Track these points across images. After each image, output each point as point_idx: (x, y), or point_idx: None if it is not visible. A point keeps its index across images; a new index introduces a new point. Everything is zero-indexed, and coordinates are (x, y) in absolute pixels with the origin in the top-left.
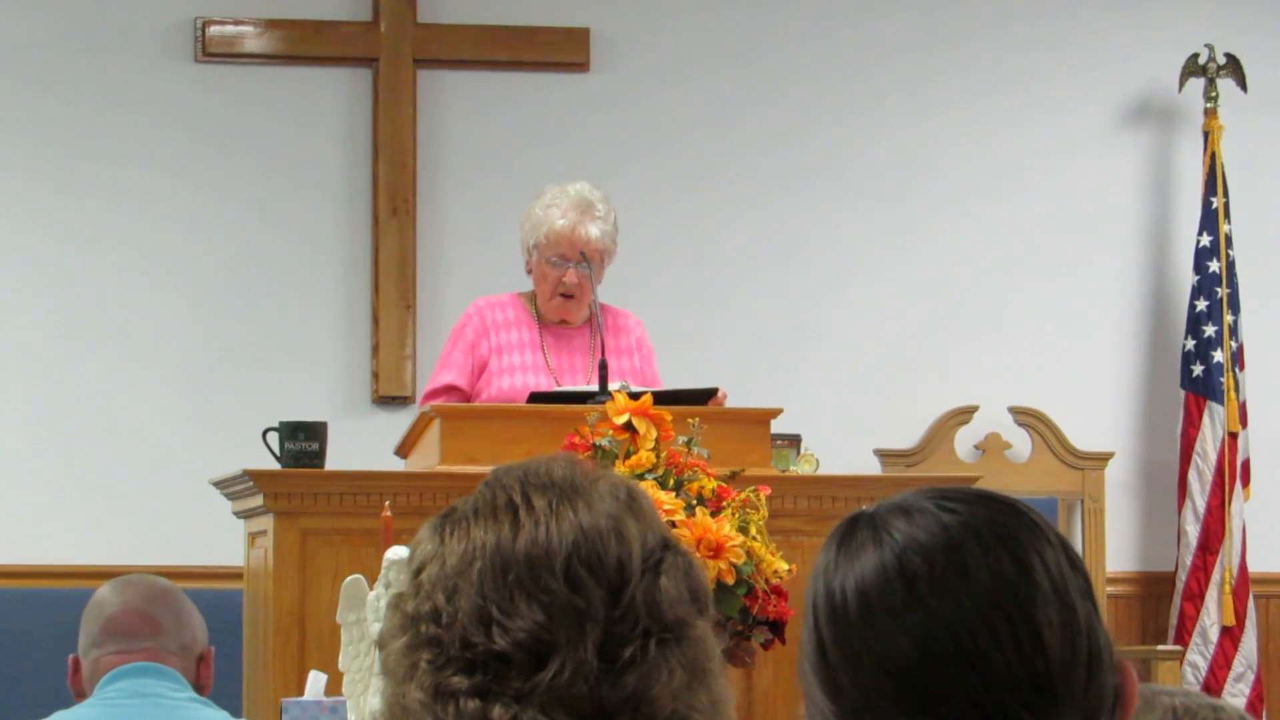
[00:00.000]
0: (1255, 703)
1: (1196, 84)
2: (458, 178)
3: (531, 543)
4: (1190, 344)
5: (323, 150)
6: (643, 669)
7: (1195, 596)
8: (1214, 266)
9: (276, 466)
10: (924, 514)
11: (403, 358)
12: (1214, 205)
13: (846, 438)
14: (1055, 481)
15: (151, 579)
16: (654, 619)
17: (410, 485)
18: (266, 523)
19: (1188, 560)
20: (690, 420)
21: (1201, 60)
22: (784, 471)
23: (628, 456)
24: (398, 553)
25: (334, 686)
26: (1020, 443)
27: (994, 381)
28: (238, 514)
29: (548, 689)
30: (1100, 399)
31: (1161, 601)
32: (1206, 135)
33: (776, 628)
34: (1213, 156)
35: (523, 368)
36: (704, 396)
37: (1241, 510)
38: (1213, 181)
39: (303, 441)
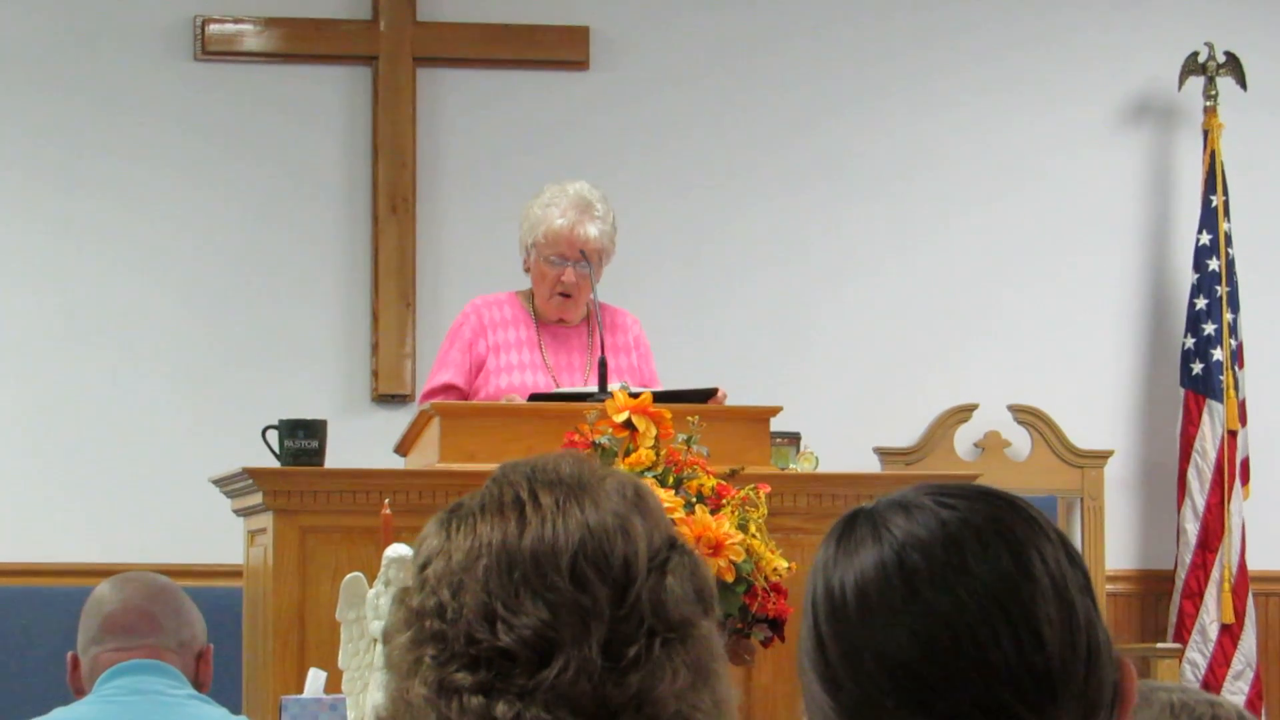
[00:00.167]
0: (1254, 700)
1: (1196, 82)
2: (457, 176)
3: (538, 540)
4: (1190, 342)
5: (322, 148)
6: (647, 668)
7: (1194, 594)
8: (1214, 265)
9: (276, 464)
10: (923, 510)
11: (402, 356)
12: (1213, 203)
13: (846, 436)
14: (1055, 480)
15: (151, 576)
16: (659, 618)
17: (410, 483)
18: (266, 520)
19: (1187, 558)
20: (690, 418)
21: (1201, 58)
22: (783, 469)
23: (627, 454)
24: (397, 550)
25: (333, 684)
26: (1020, 441)
27: (993, 379)
28: (237, 512)
29: (551, 687)
30: (1100, 397)
31: (1161, 599)
32: (1206, 133)
33: (776, 625)
34: (1212, 155)
35: (520, 366)
36: (704, 396)
37: (1241, 508)
38: (1212, 180)
39: (302, 439)
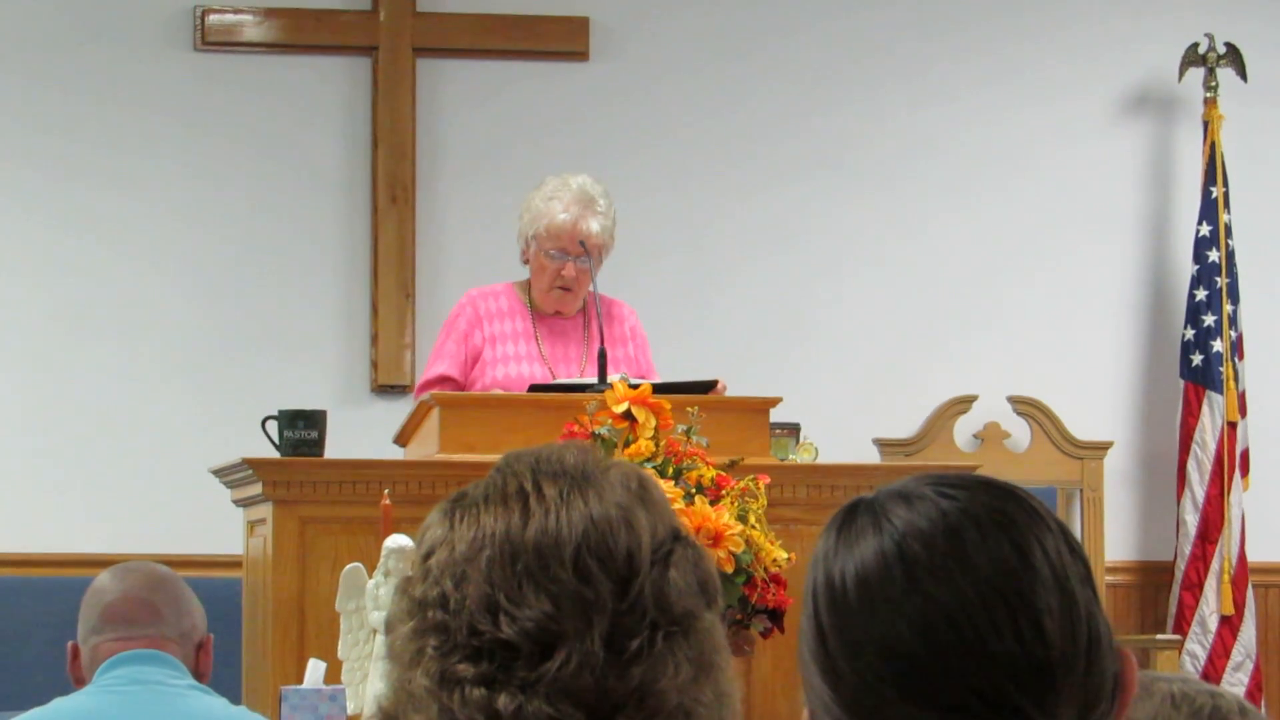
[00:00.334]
0: (1254, 691)
1: (1196, 73)
2: (457, 167)
3: (541, 532)
4: (1189, 333)
5: (322, 139)
6: (649, 661)
7: (1194, 586)
8: (1213, 256)
9: (276, 455)
10: (924, 500)
11: (401, 346)
12: (1213, 195)
13: (845, 427)
14: (1054, 471)
15: (151, 566)
16: (662, 611)
17: (409, 474)
18: (266, 511)
19: (1187, 550)
20: (689, 409)
21: (1201, 49)
22: (783, 460)
23: (627, 445)
24: (397, 541)
25: (333, 674)
26: (1019, 432)
27: (993, 371)
28: (237, 502)
29: (553, 679)
30: (1099, 388)
31: (1160, 591)
32: (1206, 125)
33: (775, 616)
34: (1212, 146)
35: (517, 357)
36: (704, 388)
37: (1240, 500)
38: (1212, 171)
39: (302, 430)
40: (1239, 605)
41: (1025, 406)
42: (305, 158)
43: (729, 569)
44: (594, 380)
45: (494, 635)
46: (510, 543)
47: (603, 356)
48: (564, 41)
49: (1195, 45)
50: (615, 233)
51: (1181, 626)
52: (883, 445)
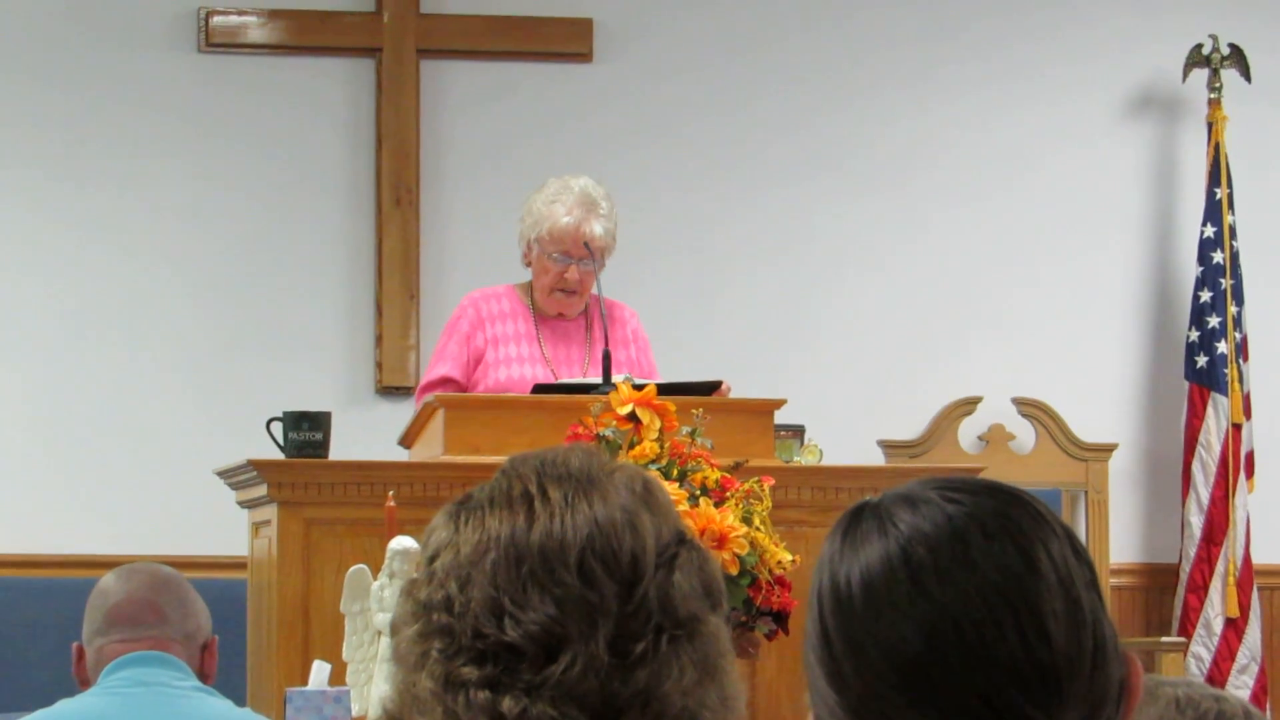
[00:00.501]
0: (1259, 694)
1: (1200, 74)
2: (461, 168)
3: (546, 535)
4: (1194, 335)
5: (326, 140)
6: (654, 665)
7: (1199, 588)
8: (1218, 258)
9: (280, 456)
10: (929, 504)
11: (406, 348)
12: (1218, 196)
13: (850, 428)
14: (1059, 473)
15: (156, 567)
16: (666, 614)
17: (414, 475)
18: (270, 512)
19: (1191, 552)
20: (694, 411)
21: (1205, 51)
22: (788, 462)
23: (631, 447)
24: (401, 543)
25: (338, 676)
26: (1024, 434)
27: (998, 372)
28: (241, 504)
29: (558, 683)
30: (1104, 390)
31: (1165, 593)
32: (1210, 126)
33: (780, 619)
34: (1216, 147)
35: (519, 359)
36: (708, 389)
37: (1245, 502)
38: (1216, 172)
39: (306, 431)
40: (1244, 608)
41: (1030, 408)
42: (309, 159)
43: (734, 571)
44: (598, 381)
45: (499, 638)
46: (515, 546)
47: (607, 358)
48: (568, 43)
49: (1199, 46)
50: (616, 234)
51: (1186, 629)
52: (887, 447)
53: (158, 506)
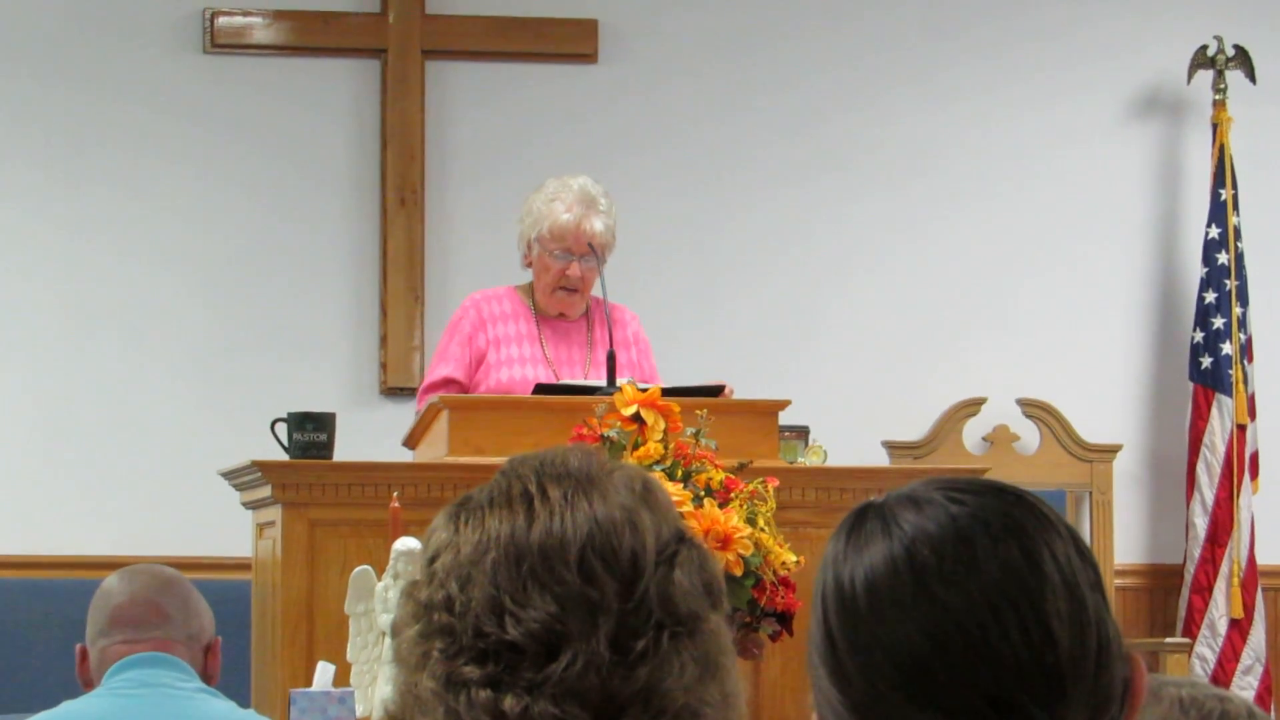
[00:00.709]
0: (1263, 695)
1: (1205, 76)
2: (466, 168)
3: (546, 533)
4: (1199, 336)
5: (331, 141)
6: (655, 662)
7: (1203, 589)
8: (1223, 259)
9: (285, 457)
10: (933, 505)
11: (410, 349)
12: (1222, 197)
13: (854, 429)
14: (1063, 473)
15: (159, 569)
16: (667, 612)
17: (418, 476)
18: (275, 513)
19: (1196, 553)
20: (698, 412)
21: (1210, 52)
22: (792, 463)
23: (636, 448)
24: (406, 544)
25: (342, 677)
26: (1028, 435)
27: (1002, 373)
28: (246, 505)
29: (559, 680)
30: (1109, 391)
31: (1170, 594)
32: (1215, 127)
33: (784, 619)
34: (1221, 148)
35: (521, 360)
36: (711, 394)
37: (1250, 503)
38: (1221, 173)
39: (311, 432)
40: (1248, 608)
41: (1034, 409)
42: (314, 160)
43: (738, 572)
44: (599, 383)
45: (499, 637)
46: (515, 545)
47: (612, 359)
48: (572, 44)
49: (1204, 48)
50: (616, 232)
51: (1191, 630)
52: (891, 448)
53: (161, 507)
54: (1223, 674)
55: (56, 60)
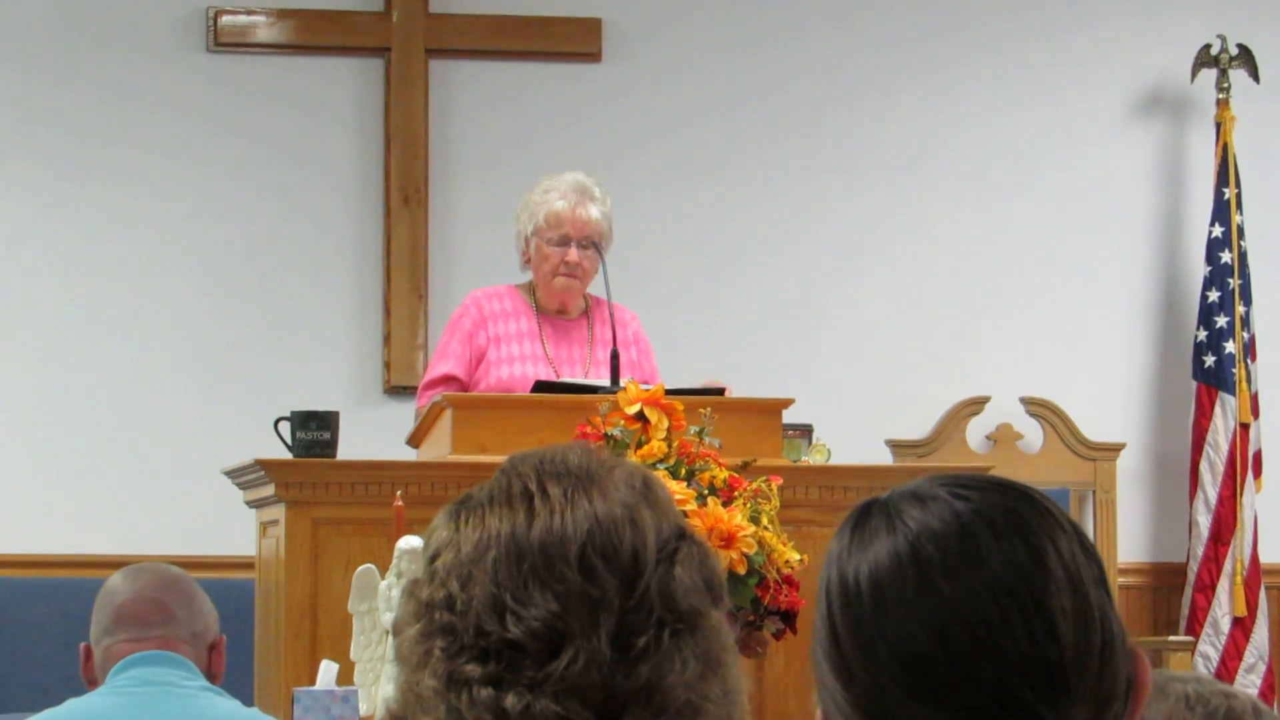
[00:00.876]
0: (1266, 693)
1: (1209, 75)
2: (470, 167)
3: (546, 531)
4: (1202, 335)
5: (334, 140)
6: (656, 659)
7: (1207, 587)
8: (1226, 257)
9: (288, 456)
10: (937, 501)
11: (414, 347)
12: (1226, 196)
13: (858, 428)
14: (1067, 472)
15: (163, 567)
16: (668, 609)
17: (422, 475)
18: (278, 512)
19: (1199, 551)
20: (702, 410)
21: (1214, 51)
22: (795, 462)
23: (639, 446)
24: (409, 542)
25: (345, 676)
26: (1032, 433)
27: (1006, 372)
28: (249, 503)
29: (561, 678)
30: (1112, 390)
31: (1173, 592)
32: (1219, 126)
33: (788, 617)
34: (1225, 147)
35: (521, 358)
36: (710, 396)
37: (1253, 501)
38: (1225, 172)
39: (314, 431)
40: (1251, 607)
41: (1037, 408)
42: (318, 159)
43: (741, 570)
44: (596, 382)
45: (501, 635)
46: (516, 543)
47: (615, 358)
48: (576, 43)
49: (1207, 47)
50: (613, 227)
51: (1194, 628)
52: (895, 447)
53: (165, 506)
54: (1226, 672)
55: (59, 60)
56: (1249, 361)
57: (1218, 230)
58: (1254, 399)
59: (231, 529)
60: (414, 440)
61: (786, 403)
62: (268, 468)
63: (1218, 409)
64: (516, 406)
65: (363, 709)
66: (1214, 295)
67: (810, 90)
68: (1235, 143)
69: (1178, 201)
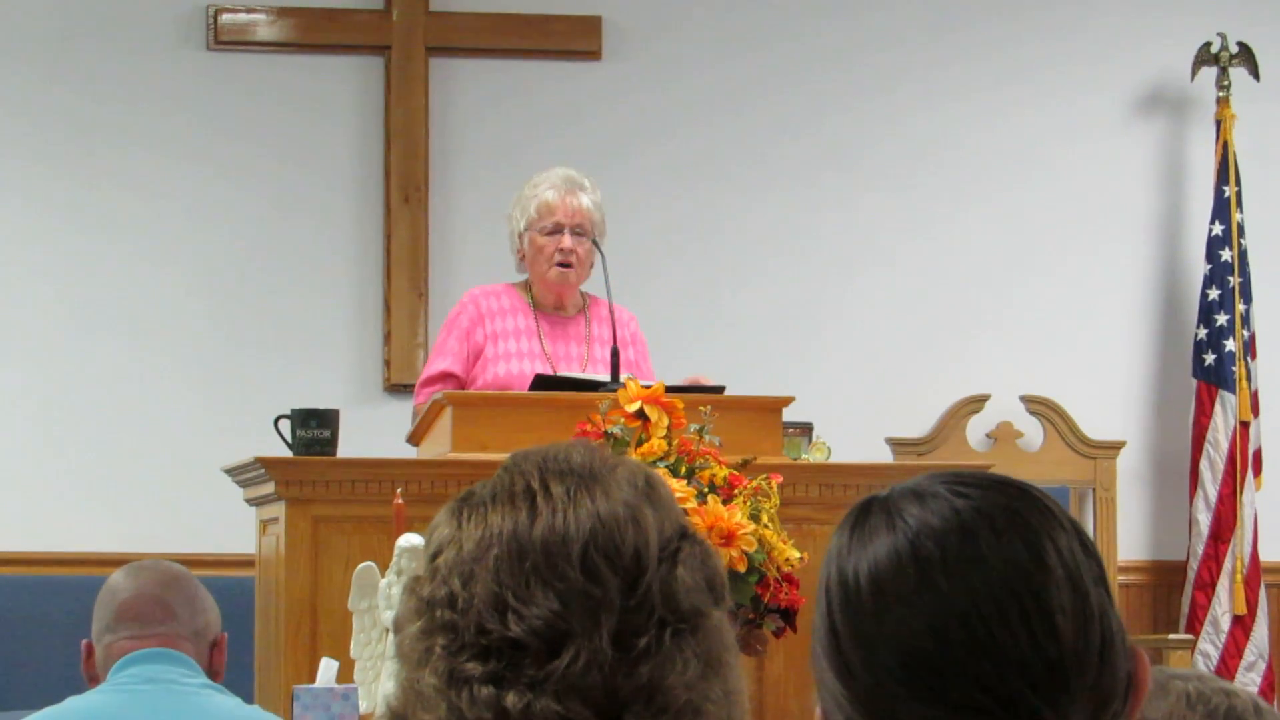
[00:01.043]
0: (1266, 691)
1: (1209, 73)
2: (470, 165)
3: (549, 530)
4: (1202, 333)
5: (335, 138)
6: (657, 659)
7: (1207, 585)
8: (1226, 255)
9: (288, 454)
10: (937, 498)
11: (414, 345)
12: (1226, 194)
13: (858, 426)
14: (1067, 470)
15: (165, 565)
16: (670, 609)
17: (422, 473)
18: (278, 510)
19: (1199, 549)
20: (702, 408)
21: (1214, 49)
22: (795, 459)
23: (640, 444)
24: (410, 540)
25: (345, 674)
26: (1032, 431)
27: (1006, 370)
28: (250, 501)
29: (562, 678)
30: (1112, 388)
31: (1173, 590)
32: (1219, 124)
33: (788, 615)
34: (1225, 145)
35: (519, 354)
36: (709, 394)
37: (1253, 499)
38: (1225, 170)
39: (314, 429)
40: (1251, 605)
41: (1038, 406)
42: (318, 157)
43: (741, 568)
44: (598, 376)
45: (502, 634)
46: (518, 541)
47: (615, 355)
48: (576, 41)
49: (1208, 45)
50: (605, 219)
51: (1194, 626)
52: (895, 445)
53: (166, 504)
54: (1226, 670)
55: (60, 57)
56: (1249, 359)
57: (1218, 228)
58: (1254, 397)
59: (232, 527)
60: (414, 438)
61: (786, 401)
62: (268, 465)
63: (1218, 407)
64: (517, 404)
65: (363, 706)
66: (1214, 293)
67: (810, 89)
68: (1235, 141)
69: (1178, 199)
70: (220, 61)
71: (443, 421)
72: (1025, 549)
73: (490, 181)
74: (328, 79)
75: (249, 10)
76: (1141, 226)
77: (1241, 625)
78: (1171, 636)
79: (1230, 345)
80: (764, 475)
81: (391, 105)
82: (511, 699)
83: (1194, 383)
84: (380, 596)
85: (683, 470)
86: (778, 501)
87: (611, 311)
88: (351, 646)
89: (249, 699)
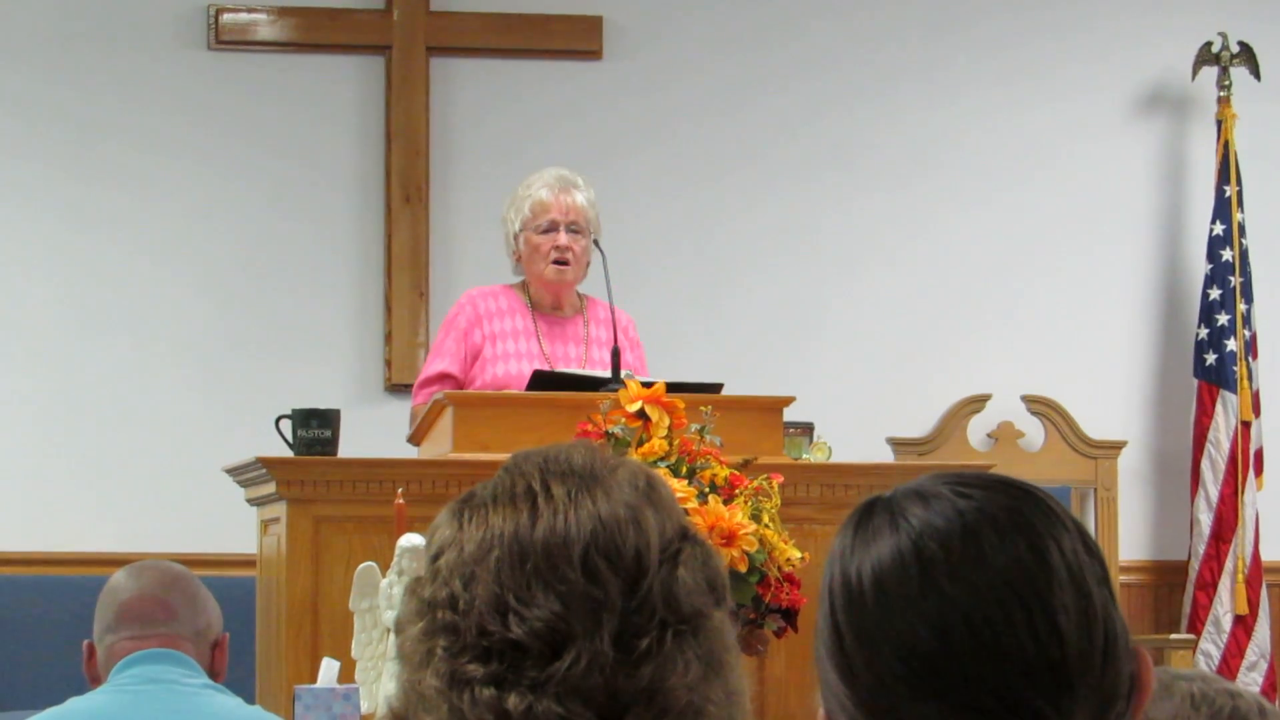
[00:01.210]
0: (1268, 691)
1: (1210, 72)
2: (471, 165)
3: (550, 532)
4: (1203, 332)
5: (335, 138)
6: (658, 660)
7: (1208, 585)
8: (1227, 255)
9: (289, 454)
10: (940, 499)
11: (415, 345)
12: (1227, 194)
13: (859, 426)
14: (1068, 470)
15: (166, 565)
16: (671, 610)
17: (423, 473)
18: (279, 510)
19: (1200, 549)
20: (703, 408)
21: (1215, 48)
22: (796, 459)
23: (640, 444)
24: (411, 540)
25: (347, 674)
26: (1033, 431)
27: (1007, 370)
28: (251, 501)
29: (563, 679)
30: (1113, 387)
31: (1174, 590)
32: (1220, 124)
33: (789, 616)
34: (1226, 145)
35: (517, 355)
36: (709, 391)
37: (1254, 499)
38: (1226, 170)
39: (315, 429)
40: (1253, 605)
41: (1039, 406)
42: (319, 157)
43: (743, 568)
44: (599, 372)
45: (503, 635)
46: (519, 543)
47: (616, 355)
48: (577, 40)
49: (1209, 44)
50: (599, 219)
51: (1195, 626)
52: (896, 445)
53: (167, 504)
54: (1227, 670)
55: (60, 57)
56: (1250, 359)
57: (1219, 228)
58: (1255, 397)
59: (233, 527)
60: (415, 438)
61: (787, 400)
62: (269, 465)
63: (1219, 407)
64: (518, 404)
65: (364, 706)
66: (1215, 293)
67: (810, 88)
68: (1236, 140)
69: (1179, 199)
70: (221, 61)
71: (443, 421)
72: (1028, 550)
73: (491, 181)
74: (328, 79)
75: (250, 10)
76: (1142, 226)
77: (1243, 625)
78: (1173, 636)
79: (1231, 345)
80: (765, 475)
81: (392, 105)
82: (513, 700)
83: (1195, 382)
84: (381, 597)
85: (684, 470)
86: (779, 501)
87: (613, 311)
88: (353, 646)
89: (250, 699)
